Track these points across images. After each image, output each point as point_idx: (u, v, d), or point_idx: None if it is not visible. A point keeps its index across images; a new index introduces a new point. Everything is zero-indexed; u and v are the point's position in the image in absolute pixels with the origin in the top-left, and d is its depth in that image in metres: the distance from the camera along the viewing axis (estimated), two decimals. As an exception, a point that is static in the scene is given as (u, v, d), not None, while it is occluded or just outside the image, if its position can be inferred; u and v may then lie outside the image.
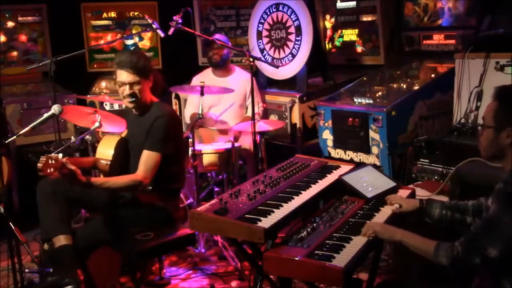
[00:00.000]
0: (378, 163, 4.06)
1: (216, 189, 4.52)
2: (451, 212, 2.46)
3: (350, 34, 5.23)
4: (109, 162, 3.25)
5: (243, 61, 5.45)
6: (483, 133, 2.18)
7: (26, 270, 3.27)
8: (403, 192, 2.92)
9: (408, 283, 2.32)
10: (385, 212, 2.65)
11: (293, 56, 4.94)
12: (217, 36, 4.73)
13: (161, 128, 3.10)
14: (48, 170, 2.71)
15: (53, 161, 2.71)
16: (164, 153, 3.09)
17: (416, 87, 4.32)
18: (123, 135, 3.36)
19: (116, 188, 3.07)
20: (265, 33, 5.20)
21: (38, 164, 2.70)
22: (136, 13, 5.71)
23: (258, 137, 4.12)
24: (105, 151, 3.29)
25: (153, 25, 4.07)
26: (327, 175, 3.00)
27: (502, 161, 2.12)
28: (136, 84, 3.14)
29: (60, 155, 2.77)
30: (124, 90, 3.16)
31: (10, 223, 3.12)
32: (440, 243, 2.09)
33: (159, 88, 3.34)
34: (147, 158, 3.06)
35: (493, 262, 1.95)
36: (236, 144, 4.21)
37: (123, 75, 3.13)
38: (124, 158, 3.23)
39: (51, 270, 3.04)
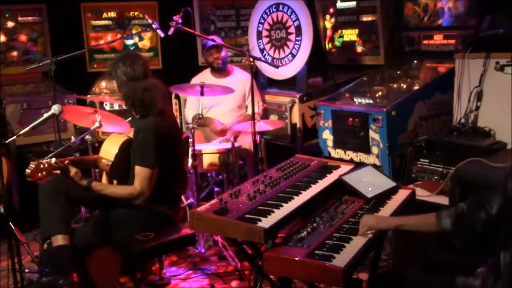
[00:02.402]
0: (378, 163, 4.06)
1: (216, 189, 4.53)
2: None
3: (350, 34, 5.23)
4: (110, 163, 3.24)
5: (243, 61, 5.46)
6: None
7: (26, 270, 3.27)
8: (403, 192, 2.93)
9: (409, 276, 2.31)
10: (385, 212, 2.65)
11: (293, 56, 4.94)
12: (211, 38, 4.71)
13: (143, 142, 3.04)
14: (39, 174, 2.69)
15: (46, 165, 2.70)
16: (153, 167, 3.04)
17: (416, 87, 4.32)
18: (130, 134, 3.34)
19: (114, 197, 3.05)
20: (265, 33, 5.20)
21: (26, 171, 2.69)
22: (136, 13, 5.71)
23: (258, 137, 4.12)
24: (109, 150, 3.27)
25: (153, 25, 4.08)
26: (327, 175, 2.99)
27: None
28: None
29: (53, 160, 2.76)
30: None
31: (10, 223, 3.12)
32: (441, 210, 2.11)
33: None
34: (138, 173, 3.03)
35: (493, 220, 1.96)
36: (236, 144, 4.21)
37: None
38: (127, 160, 3.20)
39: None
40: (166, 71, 5.56)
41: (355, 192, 2.81)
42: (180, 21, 3.97)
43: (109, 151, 3.26)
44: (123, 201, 3.08)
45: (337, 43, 5.38)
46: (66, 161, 2.88)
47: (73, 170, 2.84)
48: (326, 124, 4.49)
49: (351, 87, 4.77)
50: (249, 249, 2.57)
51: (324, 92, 4.92)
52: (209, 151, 4.14)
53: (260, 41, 5.25)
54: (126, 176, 3.17)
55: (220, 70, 4.80)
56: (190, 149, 3.96)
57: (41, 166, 2.69)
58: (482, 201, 2.00)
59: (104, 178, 3.39)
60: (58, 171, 2.79)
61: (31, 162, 2.70)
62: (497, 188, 2.00)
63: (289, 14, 4.93)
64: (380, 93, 4.54)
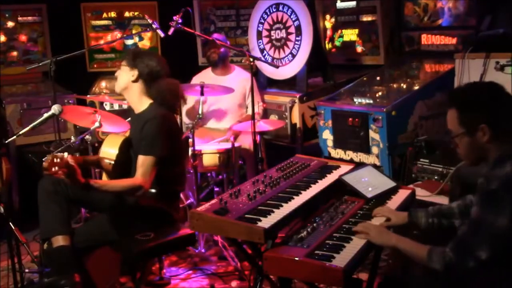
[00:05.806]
0: (378, 163, 4.06)
1: (216, 189, 4.52)
2: (438, 219, 2.43)
3: (350, 34, 5.24)
4: (113, 162, 3.25)
5: (243, 61, 5.46)
6: (459, 143, 2.15)
7: (26, 270, 3.26)
8: (403, 192, 2.92)
9: (410, 281, 2.30)
10: (385, 212, 2.64)
11: (293, 56, 4.94)
12: (215, 35, 4.74)
13: (151, 131, 3.05)
14: (53, 169, 2.69)
15: (58, 160, 2.70)
16: (159, 156, 3.04)
17: (416, 87, 4.32)
18: (127, 134, 3.35)
19: (115, 191, 3.03)
20: (265, 33, 5.20)
21: (43, 163, 2.68)
22: (136, 13, 5.72)
23: (258, 137, 4.12)
24: (109, 151, 3.28)
25: (153, 25, 4.08)
26: (327, 175, 2.99)
27: (488, 159, 2.11)
28: (119, 67, 3.25)
29: (66, 154, 2.75)
30: None
31: (10, 223, 3.12)
32: (433, 248, 2.07)
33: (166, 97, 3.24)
34: (143, 163, 3.03)
35: (487, 263, 1.93)
36: (236, 144, 4.21)
37: None
38: (128, 158, 3.21)
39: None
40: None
41: (355, 192, 2.81)
42: (180, 21, 3.97)
43: (109, 152, 3.27)
44: (124, 194, 3.07)
45: (337, 43, 5.38)
46: (68, 156, 2.86)
47: (73, 165, 2.82)
48: (326, 124, 4.49)
49: (351, 87, 4.77)
50: (249, 249, 2.57)
51: (324, 92, 4.93)
52: (209, 151, 4.14)
53: (260, 41, 5.25)
54: (128, 174, 3.17)
55: (219, 66, 4.81)
56: (190, 149, 3.96)
57: (55, 160, 2.69)
58: (468, 250, 1.95)
59: (104, 178, 3.39)
60: (65, 170, 2.77)
61: (47, 155, 2.70)
62: (476, 228, 1.96)
63: (289, 14, 4.93)
64: (380, 93, 4.55)
